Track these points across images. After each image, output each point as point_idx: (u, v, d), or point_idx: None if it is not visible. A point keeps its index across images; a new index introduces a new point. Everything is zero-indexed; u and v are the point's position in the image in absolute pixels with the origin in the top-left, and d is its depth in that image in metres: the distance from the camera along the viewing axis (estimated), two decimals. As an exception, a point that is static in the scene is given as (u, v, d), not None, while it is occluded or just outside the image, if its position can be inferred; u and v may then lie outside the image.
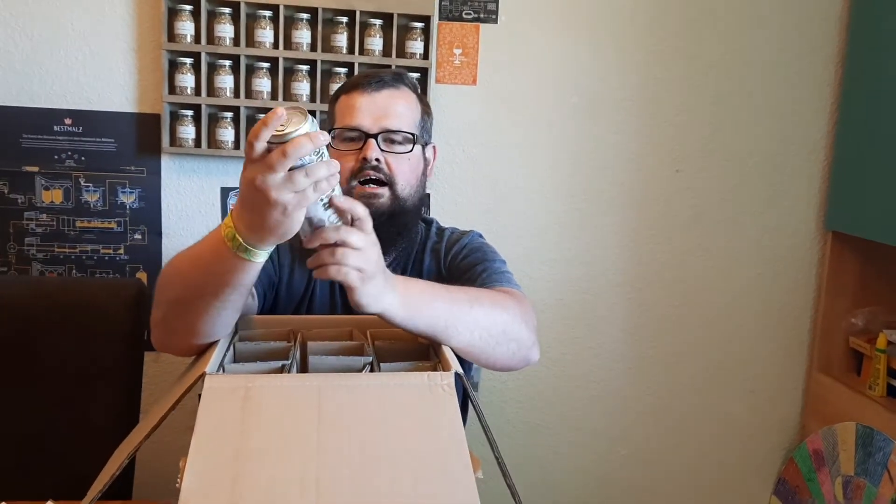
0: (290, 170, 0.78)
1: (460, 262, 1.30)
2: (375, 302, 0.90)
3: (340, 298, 1.30)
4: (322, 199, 0.85)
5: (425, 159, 1.32)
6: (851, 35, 2.01)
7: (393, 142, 1.24)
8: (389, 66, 1.85)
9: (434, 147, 1.37)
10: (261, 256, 0.86)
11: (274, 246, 0.87)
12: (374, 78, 1.26)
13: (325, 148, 0.82)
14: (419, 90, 1.34)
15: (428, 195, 2.00)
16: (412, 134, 1.26)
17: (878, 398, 1.89)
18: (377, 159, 1.22)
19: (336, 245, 0.86)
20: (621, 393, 2.16)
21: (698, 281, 2.13)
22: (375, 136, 1.22)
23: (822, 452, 1.98)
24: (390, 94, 1.26)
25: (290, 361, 0.95)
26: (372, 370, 0.94)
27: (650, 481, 2.20)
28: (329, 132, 1.26)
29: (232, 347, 1.02)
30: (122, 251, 1.92)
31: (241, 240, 0.84)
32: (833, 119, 2.09)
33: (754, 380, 2.19)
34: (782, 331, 2.18)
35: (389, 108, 1.24)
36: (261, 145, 0.78)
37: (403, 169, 1.25)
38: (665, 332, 2.15)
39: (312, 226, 0.87)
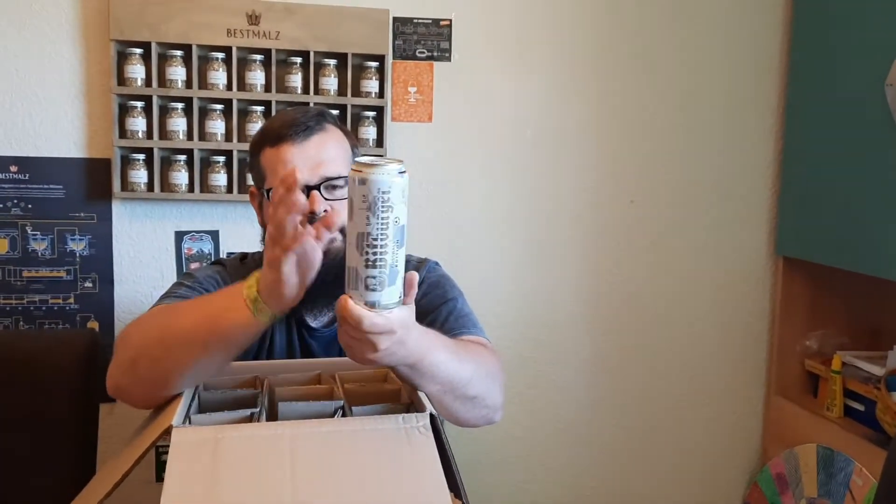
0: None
1: (420, 300, 1.27)
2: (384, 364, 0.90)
3: (299, 344, 1.27)
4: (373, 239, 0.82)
5: None
6: (792, 64, 2.09)
7: (335, 188, 1.19)
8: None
9: None
10: (264, 316, 0.89)
11: (276, 312, 0.89)
12: (298, 126, 1.20)
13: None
14: (340, 122, 1.30)
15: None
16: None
17: (836, 419, 1.92)
18: (325, 210, 1.16)
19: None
20: (585, 426, 2.16)
21: (655, 310, 2.16)
22: (317, 187, 1.17)
23: (784, 476, 2.00)
24: (320, 140, 1.21)
25: (258, 409, 0.92)
26: (344, 415, 0.92)
27: (618, 513, 2.20)
28: (264, 192, 1.22)
29: (196, 397, 0.98)
30: (72, 300, 1.86)
31: (256, 289, 0.88)
32: (778, 147, 2.16)
33: (714, 406, 2.22)
34: (739, 356, 2.22)
35: (323, 155, 1.19)
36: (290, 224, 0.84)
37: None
38: (625, 364, 2.16)
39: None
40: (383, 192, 0.80)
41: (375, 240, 0.80)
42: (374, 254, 0.81)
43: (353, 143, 1.29)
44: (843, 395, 1.93)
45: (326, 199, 1.18)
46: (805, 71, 2.04)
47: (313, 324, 1.27)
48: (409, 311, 0.87)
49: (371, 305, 0.82)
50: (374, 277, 0.81)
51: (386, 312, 0.82)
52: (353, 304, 0.82)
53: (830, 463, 1.84)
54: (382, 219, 0.80)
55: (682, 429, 2.21)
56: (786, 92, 2.12)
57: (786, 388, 2.15)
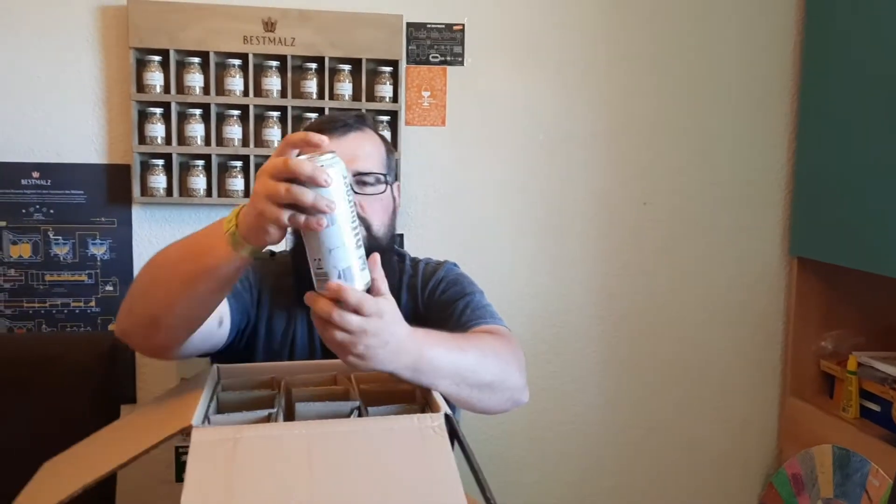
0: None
1: (439, 298, 1.31)
2: (376, 368, 0.91)
3: (320, 343, 1.29)
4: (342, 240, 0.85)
5: (393, 197, 1.32)
6: (805, 64, 2.09)
7: (365, 184, 1.24)
8: (354, 109, 1.86)
9: (398, 185, 1.37)
10: (244, 250, 0.87)
11: (256, 249, 0.87)
12: (338, 122, 1.26)
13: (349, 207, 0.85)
14: (379, 129, 1.34)
15: (401, 235, 2.01)
16: (383, 174, 1.27)
17: (852, 420, 1.92)
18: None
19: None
20: (600, 426, 2.16)
21: (669, 312, 2.16)
22: None
23: (800, 476, 2.00)
24: (357, 137, 1.26)
25: (276, 409, 0.94)
26: (360, 415, 0.93)
27: (633, 513, 2.20)
28: None
29: (215, 398, 1.01)
30: (93, 303, 1.89)
31: (234, 223, 0.87)
32: (792, 147, 2.16)
33: (730, 407, 2.22)
34: (754, 357, 2.22)
35: (358, 151, 1.24)
36: (292, 152, 0.83)
37: (377, 209, 1.25)
38: (639, 365, 2.16)
39: (330, 261, 0.86)
40: (344, 177, 0.85)
41: (354, 219, 0.86)
42: (359, 232, 0.87)
43: (389, 149, 1.33)
44: (858, 396, 1.92)
45: (357, 194, 1.21)
46: (818, 70, 2.03)
47: None
48: (392, 301, 0.91)
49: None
50: (361, 257, 0.87)
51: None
52: (352, 288, 0.85)
53: (846, 463, 1.84)
54: (348, 201, 0.85)
55: (696, 430, 2.21)
56: (799, 92, 2.12)
57: (801, 388, 2.14)
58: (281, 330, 1.30)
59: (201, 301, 0.96)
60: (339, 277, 0.85)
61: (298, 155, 0.84)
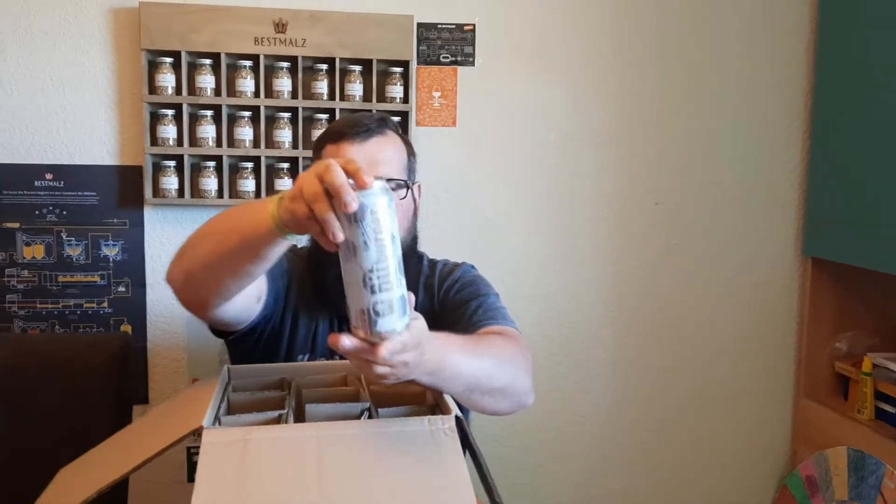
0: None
1: (453, 297, 1.31)
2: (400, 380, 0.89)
3: None
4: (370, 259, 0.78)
5: (414, 200, 1.33)
6: (819, 64, 2.07)
7: None
8: (370, 111, 1.87)
9: (419, 185, 1.38)
10: (276, 225, 0.84)
11: (288, 230, 0.85)
12: (360, 127, 1.26)
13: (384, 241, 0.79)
14: (400, 131, 1.34)
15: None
16: (404, 180, 1.27)
17: (867, 421, 1.90)
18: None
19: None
20: (609, 427, 2.15)
21: (681, 312, 2.15)
22: None
23: (815, 479, 1.98)
24: (378, 142, 1.26)
25: (286, 411, 0.94)
26: (370, 416, 0.93)
27: (645, 515, 2.19)
28: None
29: (226, 399, 1.01)
30: (105, 304, 1.90)
31: (277, 197, 0.85)
32: (805, 147, 2.14)
33: (742, 409, 2.20)
34: (768, 358, 2.20)
35: (380, 156, 1.25)
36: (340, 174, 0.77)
37: (398, 215, 1.25)
38: (650, 365, 2.15)
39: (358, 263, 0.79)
40: (373, 212, 0.78)
41: (378, 262, 0.78)
42: (383, 276, 0.79)
43: (411, 152, 1.34)
44: (873, 398, 1.91)
45: None
46: (832, 70, 2.02)
47: None
48: (422, 320, 0.86)
49: (388, 333, 0.80)
50: (383, 302, 0.79)
51: (403, 331, 0.80)
52: (384, 347, 0.79)
53: (861, 466, 1.82)
54: (379, 240, 0.78)
55: (709, 431, 2.19)
56: (813, 91, 2.11)
57: (815, 390, 2.13)
58: (305, 325, 1.32)
59: (230, 264, 0.95)
60: (361, 316, 0.79)
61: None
